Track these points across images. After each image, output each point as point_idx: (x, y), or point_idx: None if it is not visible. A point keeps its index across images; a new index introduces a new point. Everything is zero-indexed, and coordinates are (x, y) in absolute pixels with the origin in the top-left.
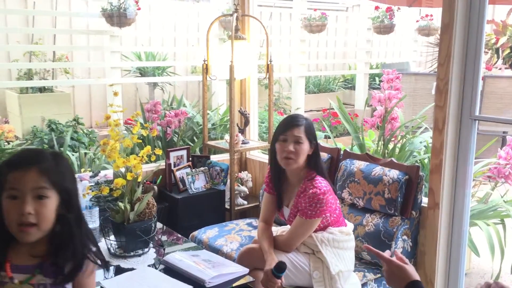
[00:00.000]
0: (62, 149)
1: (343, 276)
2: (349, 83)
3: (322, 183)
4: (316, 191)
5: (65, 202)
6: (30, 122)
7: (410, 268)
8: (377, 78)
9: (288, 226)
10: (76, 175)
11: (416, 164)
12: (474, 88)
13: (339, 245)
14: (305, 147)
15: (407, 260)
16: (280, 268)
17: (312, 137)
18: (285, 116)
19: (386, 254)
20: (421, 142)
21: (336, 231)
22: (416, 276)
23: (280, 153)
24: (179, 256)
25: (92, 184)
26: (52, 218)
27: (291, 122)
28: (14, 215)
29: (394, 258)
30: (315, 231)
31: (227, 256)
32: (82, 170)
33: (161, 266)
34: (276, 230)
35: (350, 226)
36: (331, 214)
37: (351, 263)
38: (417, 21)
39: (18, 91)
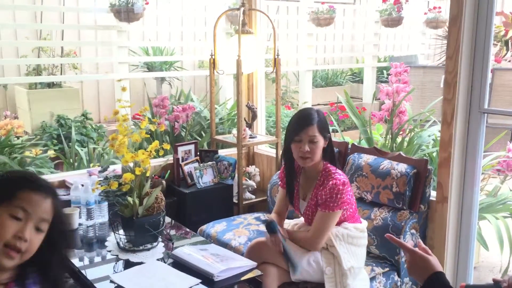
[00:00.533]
0: (70, 144)
1: (353, 272)
2: (356, 77)
3: (341, 175)
4: (336, 182)
5: (51, 241)
6: (39, 117)
7: (434, 260)
8: (385, 72)
9: (301, 219)
10: (85, 170)
11: (425, 157)
12: (483, 81)
13: (353, 241)
14: (320, 144)
15: (430, 251)
16: (269, 227)
17: (325, 132)
18: (292, 110)
19: (409, 244)
20: (429, 136)
21: (351, 227)
22: (439, 267)
23: (296, 153)
24: (187, 250)
25: (101, 179)
26: (33, 252)
27: (304, 121)
28: (7, 235)
29: (417, 249)
30: None
31: (235, 250)
32: (91, 165)
33: (170, 260)
34: (288, 223)
35: (364, 223)
36: (349, 207)
37: (363, 260)
38: (425, 13)
39: (27, 87)
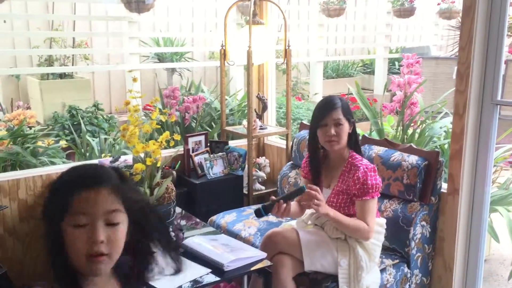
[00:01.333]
0: (81, 134)
1: (369, 266)
2: (368, 68)
3: (368, 162)
4: (366, 167)
5: (138, 226)
6: (51, 108)
7: None
8: (396, 63)
9: None
10: (97, 160)
11: (436, 149)
12: (496, 72)
13: (373, 236)
14: (346, 128)
15: None
16: (265, 208)
17: (350, 116)
18: (303, 101)
19: None
20: (441, 128)
21: None
22: None
23: (323, 138)
24: (198, 240)
25: None
26: (122, 247)
27: (328, 105)
28: (82, 246)
29: None
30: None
31: (245, 240)
32: (103, 155)
33: (180, 250)
34: (306, 212)
35: (383, 219)
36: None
37: (378, 255)
38: (438, 4)
39: (39, 77)
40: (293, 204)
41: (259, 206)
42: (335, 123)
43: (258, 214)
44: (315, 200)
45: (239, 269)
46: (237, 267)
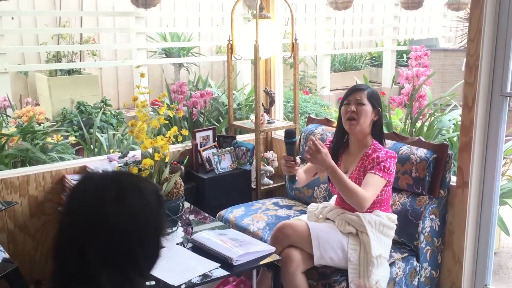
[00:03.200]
0: (91, 130)
1: (379, 261)
2: (375, 61)
3: (389, 150)
4: (385, 152)
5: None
6: (59, 104)
7: None
8: (404, 55)
9: (330, 203)
10: (105, 156)
11: (445, 142)
12: (505, 64)
13: (383, 230)
14: (368, 109)
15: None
16: (289, 134)
17: (375, 102)
18: (310, 95)
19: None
20: (450, 120)
21: (384, 216)
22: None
23: (344, 115)
24: (206, 235)
25: (121, 164)
26: None
27: (355, 87)
28: None
29: None
30: (363, 212)
31: (253, 235)
32: (111, 151)
33: (189, 245)
34: (316, 206)
35: (395, 215)
36: (390, 186)
37: (388, 251)
38: None
39: (48, 74)
40: (300, 172)
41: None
42: (357, 102)
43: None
44: (314, 147)
45: (248, 263)
46: (246, 261)
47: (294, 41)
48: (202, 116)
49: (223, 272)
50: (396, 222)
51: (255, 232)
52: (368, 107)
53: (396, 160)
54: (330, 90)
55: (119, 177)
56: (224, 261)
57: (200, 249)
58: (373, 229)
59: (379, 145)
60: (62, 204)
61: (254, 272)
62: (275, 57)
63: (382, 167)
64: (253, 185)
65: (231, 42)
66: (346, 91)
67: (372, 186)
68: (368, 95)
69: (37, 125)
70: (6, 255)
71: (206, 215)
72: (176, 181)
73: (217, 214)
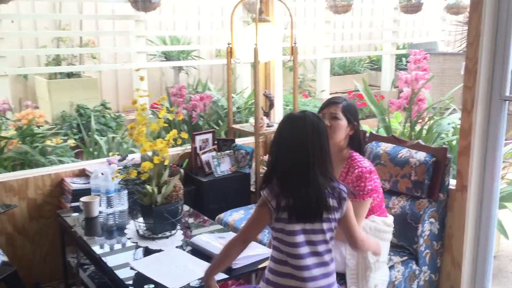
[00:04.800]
0: (90, 133)
1: (377, 266)
2: (375, 64)
3: (366, 162)
4: (362, 170)
5: None
6: (59, 107)
7: None
8: (403, 59)
9: None
10: (105, 159)
11: (444, 146)
12: (504, 67)
13: (379, 235)
14: (342, 123)
15: None
16: None
17: (351, 116)
18: (310, 98)
19: None
20: (449, 124)
21: (379, 221)
22: None
23: None
24: (205, 238)
25: (121, 167)
26: None
27: (329, 100)
28: None
29: None
30: None
31: None
32: (110, 154)
33: (188, 248)
34: None
35: (391, 217)
36: (377, 196)
37: (386, 254)
38: None
39: (47, 77)
40: None
41: None
42: (331, 116)
43: None
44: None
45: (247, 266)
46: (245, 264)
47: (293, 45)
48: (202, 119)
49: (222, 276)
50: (393, 225)
51: None
52: (342, 122)
53: (373, 173)
54: (330, 94)
55: (312, 117)
56: None
57: (199, 252)
58: (369, 235)
59: (355, 156)
60: (61, 207)
61: (254, 275)
62: (275, 60)
63: (359, 192)
64: (252, 188)
65: (230, 45)
66: (322, 103)
67: (359, 217)
68: (343, 108)
69: (37, 128)
70: (5, 258)
71: (205, 218)
72: (175, 184)
73: (216, 217)
